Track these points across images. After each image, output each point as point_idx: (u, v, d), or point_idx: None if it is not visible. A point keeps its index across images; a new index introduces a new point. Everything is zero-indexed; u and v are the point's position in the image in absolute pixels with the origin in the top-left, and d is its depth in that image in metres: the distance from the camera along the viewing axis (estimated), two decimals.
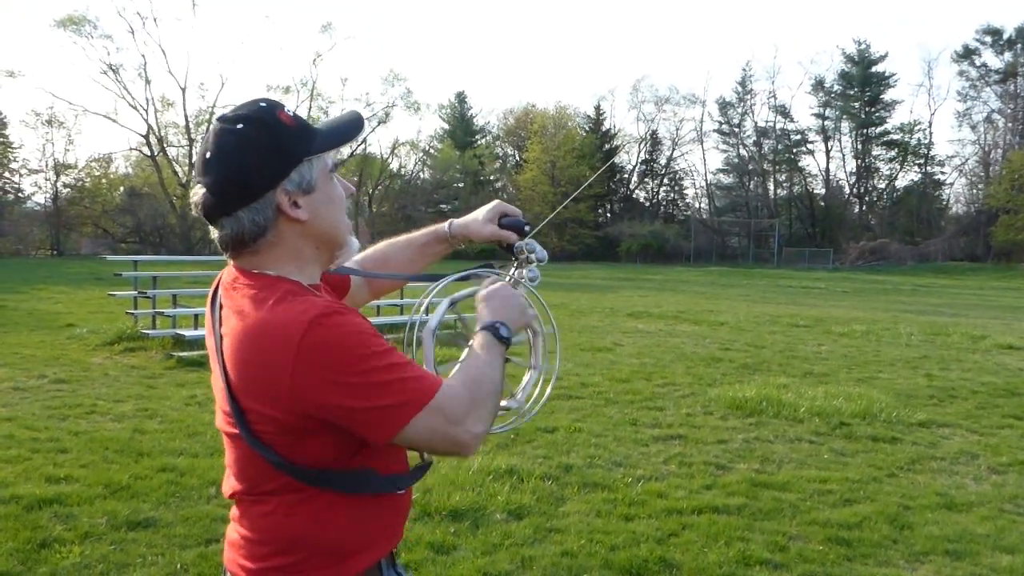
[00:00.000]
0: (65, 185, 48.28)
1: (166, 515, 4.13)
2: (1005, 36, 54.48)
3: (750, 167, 61.46)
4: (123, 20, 70.58)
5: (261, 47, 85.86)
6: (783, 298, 22.58)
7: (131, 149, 51.10)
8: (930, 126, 67.37)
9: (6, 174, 47.30)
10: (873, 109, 59.04)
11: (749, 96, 61.16)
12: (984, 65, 56.01)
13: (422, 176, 59.33)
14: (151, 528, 3.96)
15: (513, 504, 4.35)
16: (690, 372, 8.87)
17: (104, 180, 50.27)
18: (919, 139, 58.86)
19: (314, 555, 1.27)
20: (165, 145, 48.72)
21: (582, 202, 52.43)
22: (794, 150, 61.17)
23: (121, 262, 14.67)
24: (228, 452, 1.33)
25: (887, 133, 59.53)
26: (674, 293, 23.44)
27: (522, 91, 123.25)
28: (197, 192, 1.29)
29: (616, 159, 58.50)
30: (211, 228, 1.31)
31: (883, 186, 61.39)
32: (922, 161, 59.04)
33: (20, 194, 48.65)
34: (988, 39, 55.27)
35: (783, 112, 60.98)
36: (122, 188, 50.65)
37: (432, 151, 60.10)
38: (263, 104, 1.29)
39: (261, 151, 1.25)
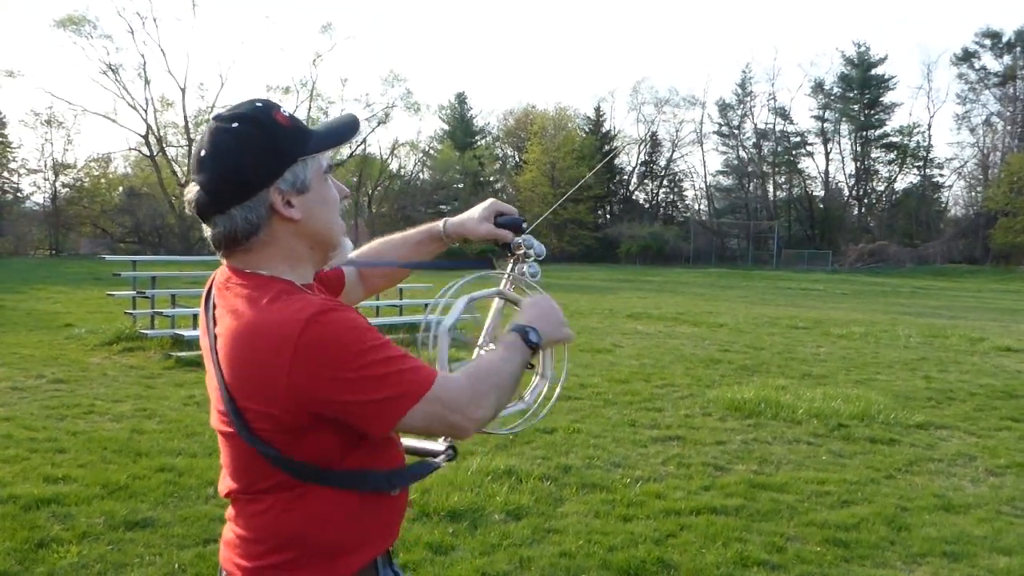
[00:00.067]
0: (64, 185, 48.32)
1: (164, 515, 4.13)
2: (1004, 39, 54.69)
3: (749, 169, 61.53)
4: (123, 20, 70.48)
5: (261, 47, 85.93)
6: (782, 300, 22.59)
7: (130, 149, 51.09)
8: (929, 129, 67.32)
9: (5, 174, 47.36)
10: (872, 111, 59.14)
11: (749, 98, 61.36)
12: (983, 68, 56.22)
13: (422, 177, 59.32)
14: (149, 528, 3.96)
15: (511, 505, 4.35)
16: (689, 373, 8.88)
17: (103, 180, 50.26)
18: (918, 142, 59.04)
19: (309, 553, 1.28)
20: (164, 145, 48.71)
21: (581, 203, 52.47)
22: (793, 152, 61.26)
23: (120, 262, 14.70)
24: (223, 451, 1.34)
25: (886, 135, 59.66)
26: (673, 295, 23.45)
27: (522, 92, 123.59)
28: (191, 190, 1.30)
29: (616, 160, 58.52)
30: (204, 226, 1.31)
31: (882, 188, 61.54)
32: (921, 164, 59.16)
33: (19, 194, 48.74)
34: (987, 42, 55.44)
35: (783, 114, 61.19)
36: (121, 188, 50.65)
37: (432, 152, 60.09)
38: (259, 104, 1.30)
39: (256, 150, 1.26)
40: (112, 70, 45.40)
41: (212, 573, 3.45)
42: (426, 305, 12.52)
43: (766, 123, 61.98)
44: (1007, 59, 54.93)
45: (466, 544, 3.86)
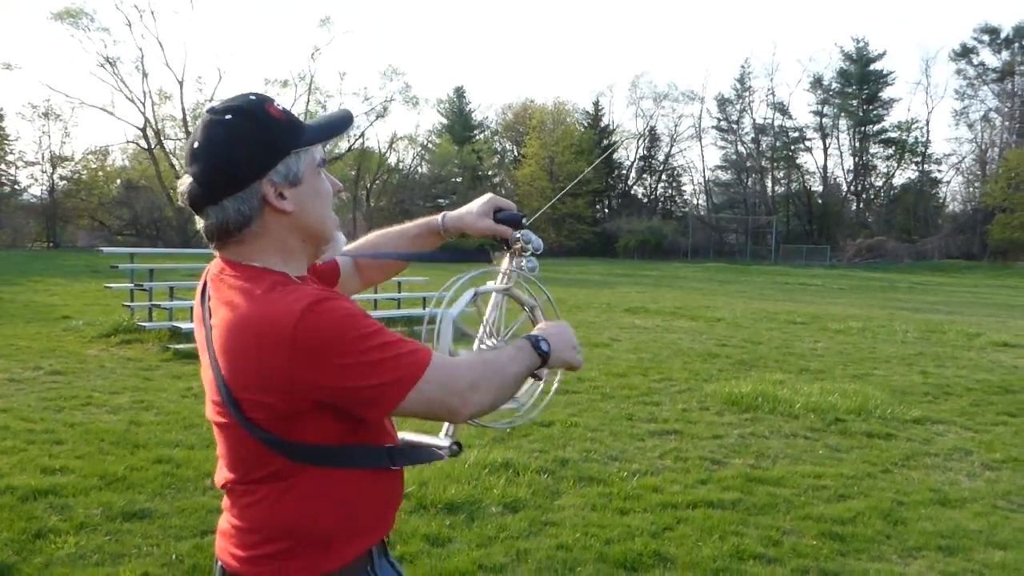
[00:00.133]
0: (61, 177, 48.14)
1: (162, 506, 4.14)
2: (1003, 35, 54.60)
3: (748, 164, 61.48)
4: (120, 13, 70.34)
5: (259, 41, 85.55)
6: (780, 295, 22.62)
7: (128, 142, 50.89)
8: (927, 124, 67.71)
9: (2, 166, 47.15)
10: (871, 107, 59.10)
11: (747, 93, 61.27)
12: (982, 64, 56.16)
13: (420, 171, 59.23)
14: (147, 519, 3.97)
15: (509, 497, 4.36)
16: (686, 368, 8.89)
17: (101, 173, 50.11)
18: (916, 137, 59.03)
19: (304, 542, 1.28)
20: (162, 138, 48.54)
21: (580, 198, 52.41)
22: (792, 147, 61.22)
23: (117, 254, 14.67)
24: (219, 442, 1.34)
25: (885, 131, 59.62)
26: (671, 289, 23.46)
27: (521, 86, 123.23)
28: (184, 181, 1.31)
29: (615, 155, 58.48)
30: (197, 218, 1.32)
31: (880, 184, 61.52)
32: (919, 159, 59.15)
33: (16, 186, 48.52)
34: (986, 38, 55.36)
35: (781, 109, 61.10)
36: (119, 181, 50.48)
37: (430, 146, 59.95)
38: (253, 97, 1.31)
39: (249, 142, 1.27)
40: (110, 63, 45.27)
41: (209, 564, 3.46)
42: (424, 299, 12.55)
43: (765, 118, 61.99)
44: (1005, 55, 54.91)
45: (463, 536, 3.87)
